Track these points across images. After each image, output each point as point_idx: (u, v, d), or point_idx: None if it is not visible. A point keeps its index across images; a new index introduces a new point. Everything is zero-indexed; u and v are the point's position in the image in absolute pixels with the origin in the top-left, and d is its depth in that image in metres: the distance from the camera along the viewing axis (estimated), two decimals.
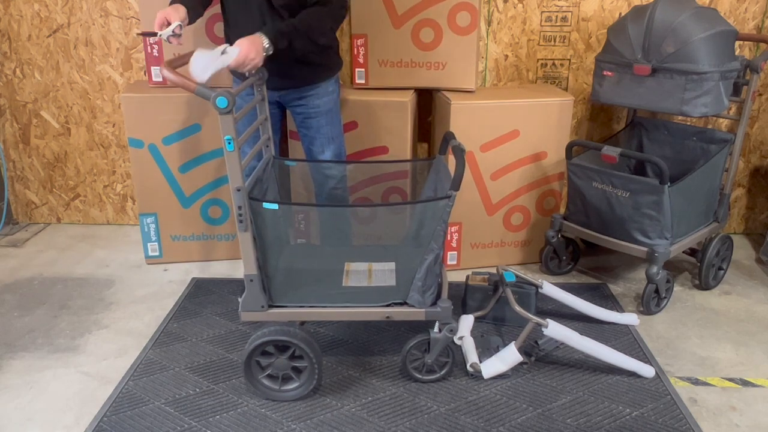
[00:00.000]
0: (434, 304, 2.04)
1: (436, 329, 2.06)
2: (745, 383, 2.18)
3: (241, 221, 1.89)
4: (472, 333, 2.36)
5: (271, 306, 2.04)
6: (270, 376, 2.05)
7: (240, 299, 2.02)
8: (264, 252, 1.97)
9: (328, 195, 2.52)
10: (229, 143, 1.80)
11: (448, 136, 2.26)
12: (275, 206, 1.90)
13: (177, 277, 2.89)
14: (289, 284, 2.04)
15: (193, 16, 2.19)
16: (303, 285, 2.07)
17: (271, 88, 2.35)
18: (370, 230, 2.45)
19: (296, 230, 2.74)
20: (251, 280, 1.97)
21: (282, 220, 1.98)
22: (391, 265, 2.25)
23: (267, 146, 2.31)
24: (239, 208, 1.88)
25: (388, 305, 2.04)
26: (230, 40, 2.32)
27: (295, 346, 1.99)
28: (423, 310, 2.03)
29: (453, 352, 2.13)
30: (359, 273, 2.21)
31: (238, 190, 1.86)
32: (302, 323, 2.17)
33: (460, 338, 2.30)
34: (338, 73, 2.46)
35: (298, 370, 2.05)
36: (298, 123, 2.48)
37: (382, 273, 2.20)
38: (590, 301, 2.54)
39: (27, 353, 2.33)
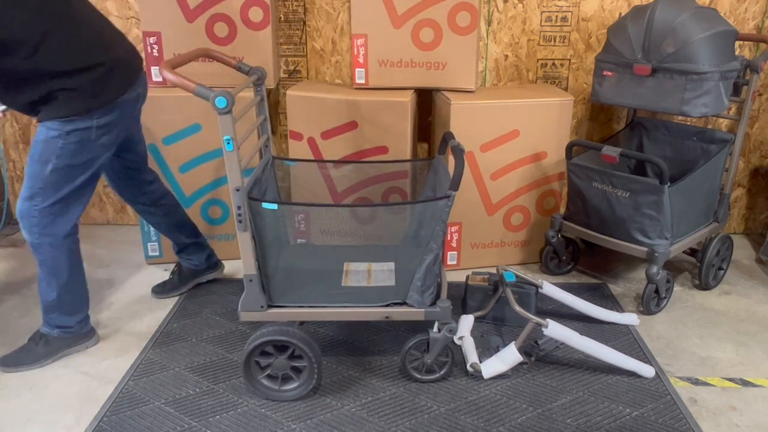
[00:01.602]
0: (433, 304, 2.04)
1: (435, 329, 2.06)
2: (745, 383, 2.18)
3: (240, 221, 1.89)
4: (472, 333, 2.36)
5: (270, 306, 2.04)
6: (269, 376, 2.05)
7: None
8: (263, 252, 1.97)
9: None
10: (228, 143, 1.80)
11: (448, 136, 2.26)
12: (275, 206, 1.90)
13: None
14: (288, 284, 2.04)
15: None
16: (302, 285, 2.07)
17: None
18: (370, 230, 2.45)
19: (296, 230, 2.74)
20: (250, 281, 1.97)
21: (281, 221, 1.98)
22: (391, 265, 2.25)
23: (266, 146, 2.31)
24: (238, 208, 1.88)
25: (387, 305, 2.04)
26: None
27: (294, 346, 1.99)
28: (422, 310, 2.03)
29: (452, 352, 2.13)
30: (359, 273, 2.21)
31: (237, 190, 1.86)
32: (301, 323, 2.17)
33: (460, 338, 2.30)
34: (73, 119, 2.02)
35: (297, 370, 2.05)
36: None
37: (382, 273, 2.20)
38: (590, 301, 2.54)
39: None
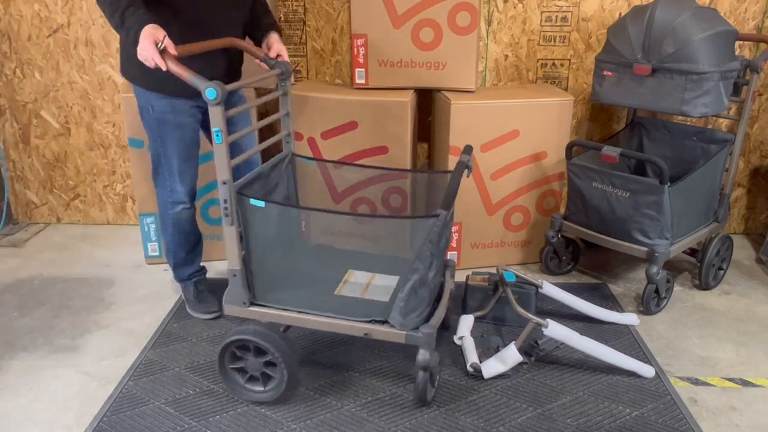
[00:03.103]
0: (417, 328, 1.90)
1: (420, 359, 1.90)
2: (745, 383, 2.18)
3: (226, 215, 1.88)
4: (472, 333, 2.36)
5: (253, 303, 2.01)
6: (241, 370, 2.01)
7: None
8: (248, 248, 1.95)
9: None
10: (218, 135, 1.79)
11: (467, 150, 2.13)
12: (261, 204, 1.88)
13: None
14: (275, 284, 2.00)
15: None
16: (291, 287, 2.02)
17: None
18: (379, 238, 2.39)
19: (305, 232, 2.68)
20: (234, 275, 1.96)
21: (275, 219, 1.93)
22: (394, 280, 2.18)
23: (287, 142, 2.27)
24: (224, 201, 1.87)
25: (369, 321, 1.94)
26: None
27: (266, 350, 1.91)
28: (403, 332, 1.91)
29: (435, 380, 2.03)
30: (357, 283, 2.15)
31: (224, 183, 1.85)
32: (287, 327, 2.13)
33: (460, 338, 2.30)
34: None
35: (267, 375, 1.99)
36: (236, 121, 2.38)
37: (381, 287, 2.14)
38: (590, 301, 2.54)
39: (27, 353, 2.33)
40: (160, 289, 2.79)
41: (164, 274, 2.92)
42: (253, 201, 1.89)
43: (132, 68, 2.16)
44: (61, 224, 3.50)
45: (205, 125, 2.27)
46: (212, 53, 2.14)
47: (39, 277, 2.90)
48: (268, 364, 1.97)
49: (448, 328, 2.41)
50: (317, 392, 2.10)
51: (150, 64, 1.83)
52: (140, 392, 2.10)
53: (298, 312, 2.00)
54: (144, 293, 2.76)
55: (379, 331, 1.93)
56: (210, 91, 1.74)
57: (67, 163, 3.36)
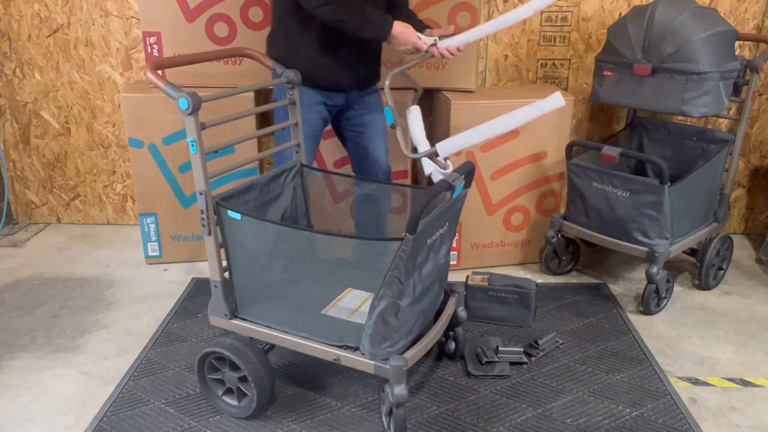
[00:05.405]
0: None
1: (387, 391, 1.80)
2: (745, 383, 2.18)
3: (203, 225, 1.86)
4: (473, 333, 2.35)
5: (235, 316, 1.97)
6: (218, 381, 1.98)
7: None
8: (229, 260, 1.92)
9: None
10: (193, 145, 1.78)
11: (461, 169, 1.87)
12: (238, 216, 1.84)
13: (177, 277, 2.89)
14: (255, 298, 1.95)
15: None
16: (272, 303, 1.96)
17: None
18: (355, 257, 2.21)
19: None
20: (215, 286, 1.94)
21: (253, 232, 1.85)
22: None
23: (297, 152, 2.23)
24: (201, 212, 1.84)
25: (341, 346, 1.83)
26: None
27: (239, 365, 1.87)
28: (372, 362, 1.78)
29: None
30: (348, 304, 2.07)
31: (201, 194, 1.83)
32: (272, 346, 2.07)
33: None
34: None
35: (241, 391, 1.95)
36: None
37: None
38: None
39: (27, 353, 2.33)
40: (160, 289, 2.79)
41: (164, 274, 2.92)
42: (230, 213, 1.85)
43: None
44: (61, 224, 3.50)
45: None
46: (353, 61, 2.29)
47: (39, 277, 2.90)
48: (243, 379, 1.92)
49: (452, 356, 2.27)
50: (317, 392, 2.10)
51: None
52: (140, 392, 2.10)
53: (275, 330, 1.92)
54: (144, 293, 2.76)
55: (349, 358, 1.81)
56: (182, 102, 1.72)
57: (67, 163, 3.36)
